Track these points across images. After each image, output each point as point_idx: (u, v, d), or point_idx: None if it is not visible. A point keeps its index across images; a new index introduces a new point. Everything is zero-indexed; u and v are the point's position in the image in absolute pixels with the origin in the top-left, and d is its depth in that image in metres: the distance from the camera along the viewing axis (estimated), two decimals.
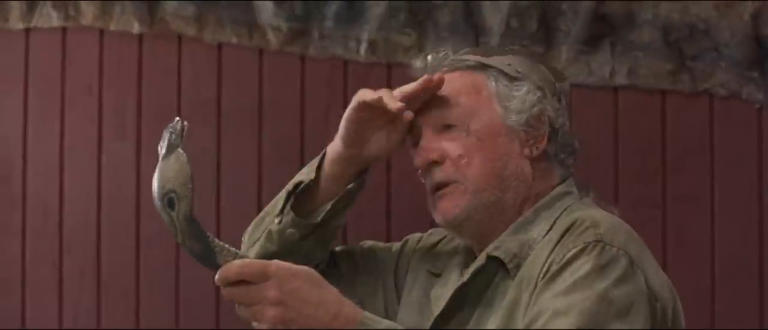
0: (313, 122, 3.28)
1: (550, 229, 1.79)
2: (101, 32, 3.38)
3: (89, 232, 3.35)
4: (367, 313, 1.68)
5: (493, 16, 3.13)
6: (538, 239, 1.78)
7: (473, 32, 3.16)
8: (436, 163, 1.83)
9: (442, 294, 1.86)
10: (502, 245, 1.79)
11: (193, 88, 3.33)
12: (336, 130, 3.26)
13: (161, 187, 1.64)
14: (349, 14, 3.23)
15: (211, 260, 1.64)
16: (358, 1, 3.22)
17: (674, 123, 3.09)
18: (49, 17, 3.38)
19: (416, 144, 1.86)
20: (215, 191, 3.28)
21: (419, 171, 1.86)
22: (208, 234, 1.64)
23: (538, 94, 1.83)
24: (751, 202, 3.04)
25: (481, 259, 1.80)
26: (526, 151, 1.83)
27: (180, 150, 1.65)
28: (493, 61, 1.85)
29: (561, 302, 1.66)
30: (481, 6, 3.15)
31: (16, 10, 3.40)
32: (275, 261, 1.65)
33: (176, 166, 1.64)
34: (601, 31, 3.10)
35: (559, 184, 1.85)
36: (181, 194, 1.63)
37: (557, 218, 1.80)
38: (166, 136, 1.65)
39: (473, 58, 1.86)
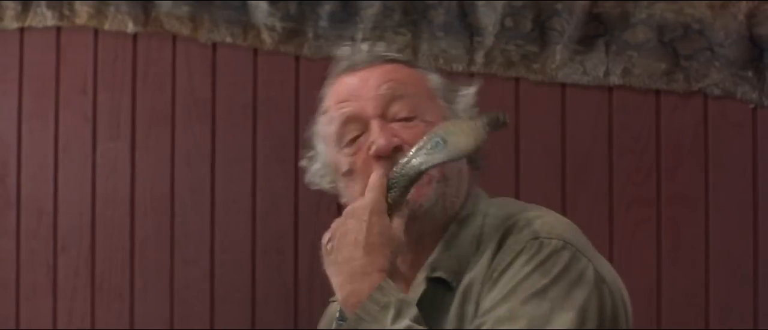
0: (307, 122, 3.26)
1: (480, 236, 1.76)
2: (95, 32, 3.37)
3: (83, 232, 3.35)
4: (386, 282, 1.66)
5: (488, 16, 3.13)
6: (472, 251, 1.75)
7: (467, 32, 3.16)
8: (399, 149, 1.78)
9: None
10: (440, 265, 1.76)
11: (187, 88, 3.32)
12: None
13: (467, 143, 1.71)
14: (344, 14, 3.23)
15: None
16: (352, 0, 3.22)
17: (668, 123, 3.09)
18: (44, 17, 3.38)
19: (353, 140, 1.86)
20: (209, 190, 3.28)
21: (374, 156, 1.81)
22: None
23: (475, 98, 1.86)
24: (745, 202, 3.04)
25: (420, 283, 1.76)
26: None
27: (485, 134, 1.72)
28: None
29: (503, 308, 1.63)
30: (476, 6, 3.14)
31: (10, 9, 3.40)
32: (363, 205, 1.71)
33: (480, 138, 1.71)
34: (596, 30, 3.10)
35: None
36: (462, 151, 1.71)
37: (482, 225, 1.77)
38: (499, 116, 1.71)
39: (401, 57, 1.87)
